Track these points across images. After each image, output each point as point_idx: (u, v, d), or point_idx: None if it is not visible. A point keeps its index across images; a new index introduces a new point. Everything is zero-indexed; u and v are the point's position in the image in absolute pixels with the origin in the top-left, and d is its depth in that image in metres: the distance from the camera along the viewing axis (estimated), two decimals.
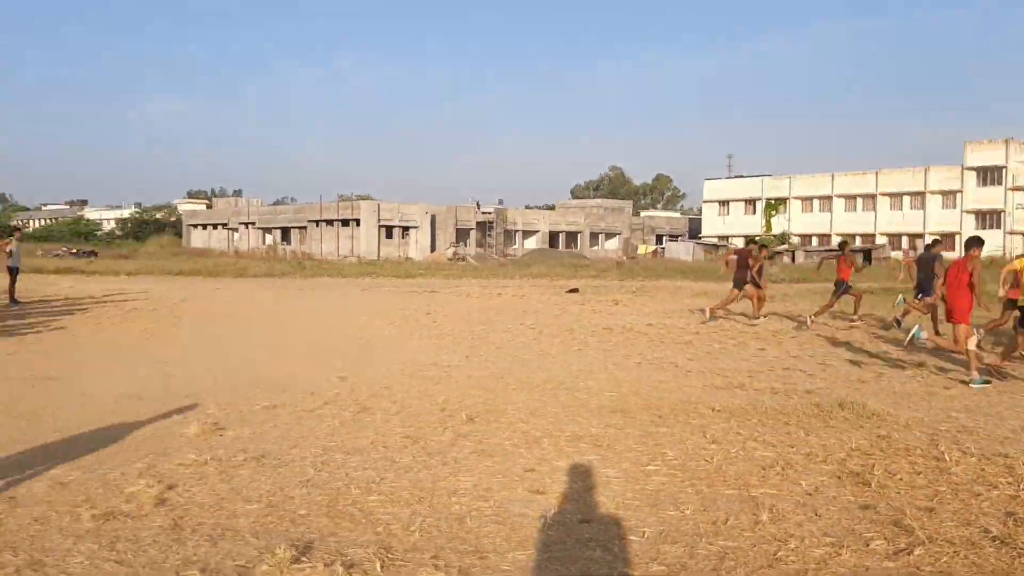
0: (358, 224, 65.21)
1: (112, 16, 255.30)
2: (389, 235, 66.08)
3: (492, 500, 5.17)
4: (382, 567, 4.06)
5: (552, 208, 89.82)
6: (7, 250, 19.43)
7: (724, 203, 79.59)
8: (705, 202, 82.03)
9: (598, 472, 5.81)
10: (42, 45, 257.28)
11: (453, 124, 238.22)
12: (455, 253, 62.86)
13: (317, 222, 69.46)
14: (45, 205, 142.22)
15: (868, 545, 4.42)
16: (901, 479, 5.63)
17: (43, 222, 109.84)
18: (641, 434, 6.96)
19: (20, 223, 61.66)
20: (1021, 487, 5.45)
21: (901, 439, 6.76)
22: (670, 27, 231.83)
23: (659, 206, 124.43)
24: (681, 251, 70.62)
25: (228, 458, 6.03)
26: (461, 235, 69.35)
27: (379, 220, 65.17)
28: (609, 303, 22.68)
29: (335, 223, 67.72)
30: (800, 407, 8.07)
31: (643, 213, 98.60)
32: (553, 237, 76.16)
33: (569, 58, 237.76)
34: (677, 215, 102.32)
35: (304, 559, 4.13)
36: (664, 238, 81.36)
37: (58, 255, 52.85)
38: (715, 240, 73.70)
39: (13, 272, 19.50)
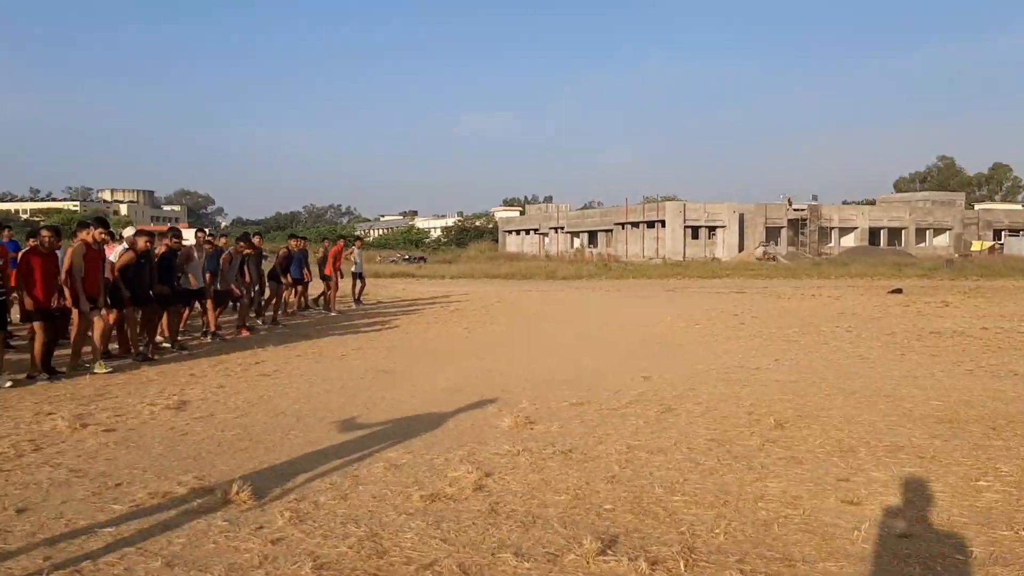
0: (663, 225, 65.21)
1: (428, 40, 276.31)
2: (695, 235, 65.37)
3: (801, 508, 4.98)
4: (686, 566, 4.07)
5: (872, 203, 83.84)
6: (351, 258, 21.64)
7: None
8: None
9: (920, 485, 5.39)
10: (379, 77, 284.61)
11: (762, 120, 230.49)
12: (765, 252, 60.80)
13: (623, 224, 70.42)
14: (383, 216, 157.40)
15: None
16: None
17: (381, 231, 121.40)
18: (971, 447, 6.36)
19: (362, 233, 68.54)
20: None
21: None
22: (1001, 2, 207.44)
23: (996, 198, 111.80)
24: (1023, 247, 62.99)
25: (539, 450, 6.34)
26: (771, 234, 66.94)
27: (685, 220, 64.70)
28: (937, 305, 20.87)
29: (640, 225, 68.26)
30: None
31: (977, 206, 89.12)
32: (873, 234, 71.14)
33: (887, 44, 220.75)
34: (1019, 207, 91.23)
35: (609, 552, 4.25)
36: (1003, 233, 72.93)
37: (393, 261, 58.14)
38: None
39: (356, 277, 21.68)
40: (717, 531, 4.58)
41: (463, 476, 5.60)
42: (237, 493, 5.09)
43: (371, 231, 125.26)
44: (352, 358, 11.66)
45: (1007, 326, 15.33)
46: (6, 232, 13.11)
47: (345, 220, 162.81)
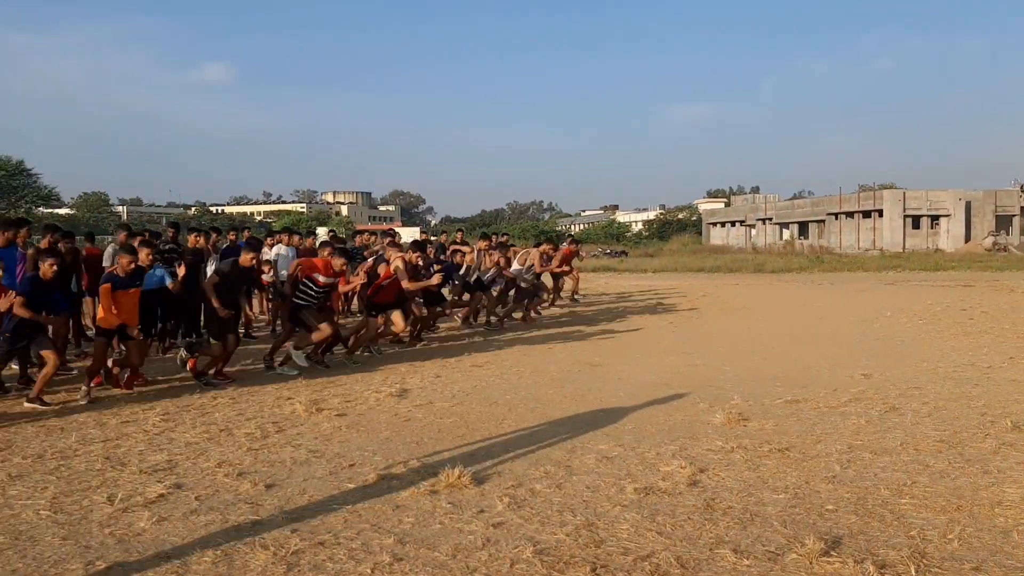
0: (880, 215, 61.54)
1: (629, 26, 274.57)
2: (916, 225, 61.24)
3: None
4: (917, 571, 3.89)
5: None
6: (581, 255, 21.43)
7: None
8: None
9: None
10: (581, 72, 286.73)
11: (989, 100, 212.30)
12: (995, 243, 56.01)
13: (836, 215, 67.09)
14: (584, 211, 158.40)
15: None
16: None
17: (582, 226, 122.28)
18: None
19: (563, 228, 69.12)
20: None
21: None
22: None
23: None
24: None
25: (754, 447, 6.23)
26: (1002, 223, 61.55)
27: (904, 210, 60.73)
28: None
29: (855, 215, 64.75)
30: None
31: None
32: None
33: None
34: None
35: (833, 553, 4.13)
36: None
37: (595, 255, 58.39)
38: None
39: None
40: (950, 536, 4.34)
41: (676, 471, 5.61)
42: (459, 477, 5.36)
43: (572, 226, 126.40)
44: (559, 351, 11.87)
45: None
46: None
47: (547, 216, 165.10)
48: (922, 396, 8.08)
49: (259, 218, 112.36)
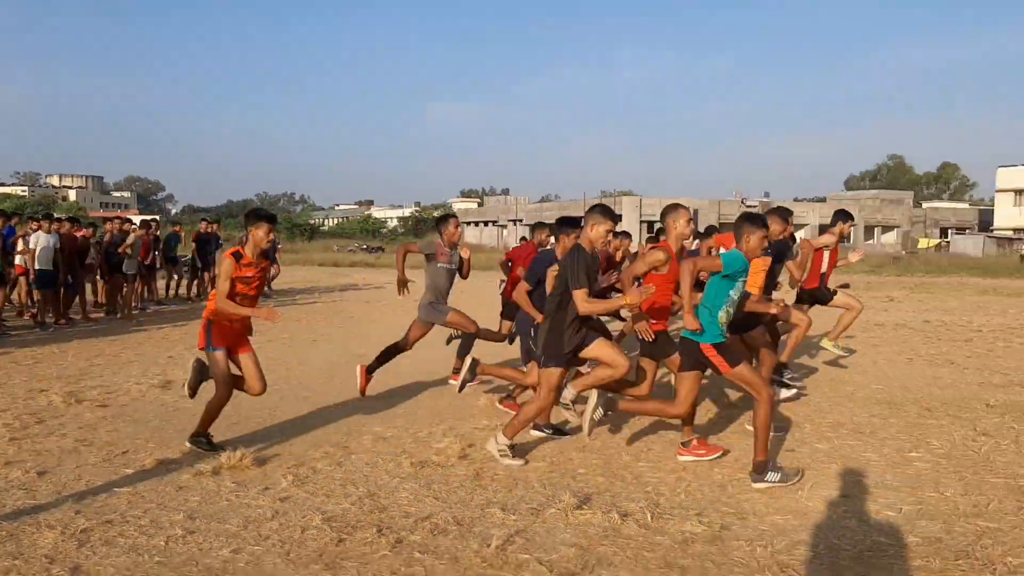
0: (620, 219, 66.18)
1: (394, 24, 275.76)
2: (651, 230, 66.43)
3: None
4: (652, 518, 4.63)
5: (823, 200, 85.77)
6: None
7: (1020, 192, 72.16)
8: (998, 191, 74.78)
9: (858, 456, 6.02)
10: (332, 59, 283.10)
11: (719, 116, 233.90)
12: (712, 249, 62.01)
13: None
14: (337, 205, 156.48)
15: None
16: None
17: (336, 221, 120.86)
18: (906, 425, 7.01)
19: (316, 222, 67.93)
20: None
21: None
22: (954, 7, 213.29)
23: (944, 197, 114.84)
24: (969, 245, 64.96)
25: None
26: (724, 230, 68.30)
27: (641, 215, 65.72)
28: (883, 299, 21.76)
29: None
30: None
31: (925, 204, 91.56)
32: (824, 231, 72.89)
33: (841, 45, 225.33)
34: (965, 206, 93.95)
35: (585, 507, 4.79)
36: (950, 231, 75.15)
37: (351, 250, 58.14)
38: (1010, 233, 67.06)
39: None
40: (678, 491, 5.15)
41: (448, 447, 6.10)
42: (241, 459, 5.54)
43: (326, 220, 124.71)
44: (323, 343, 12.06)
45: (947, 320, 16.18)
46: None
47: (299, 208, 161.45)
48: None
49: None
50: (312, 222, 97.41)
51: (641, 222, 65.62)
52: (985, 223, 76.12)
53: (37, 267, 12.74)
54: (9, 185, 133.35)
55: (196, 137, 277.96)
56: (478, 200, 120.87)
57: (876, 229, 74.56)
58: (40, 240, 12.90)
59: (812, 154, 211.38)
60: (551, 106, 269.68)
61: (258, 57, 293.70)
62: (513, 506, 4.82)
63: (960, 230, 74.96)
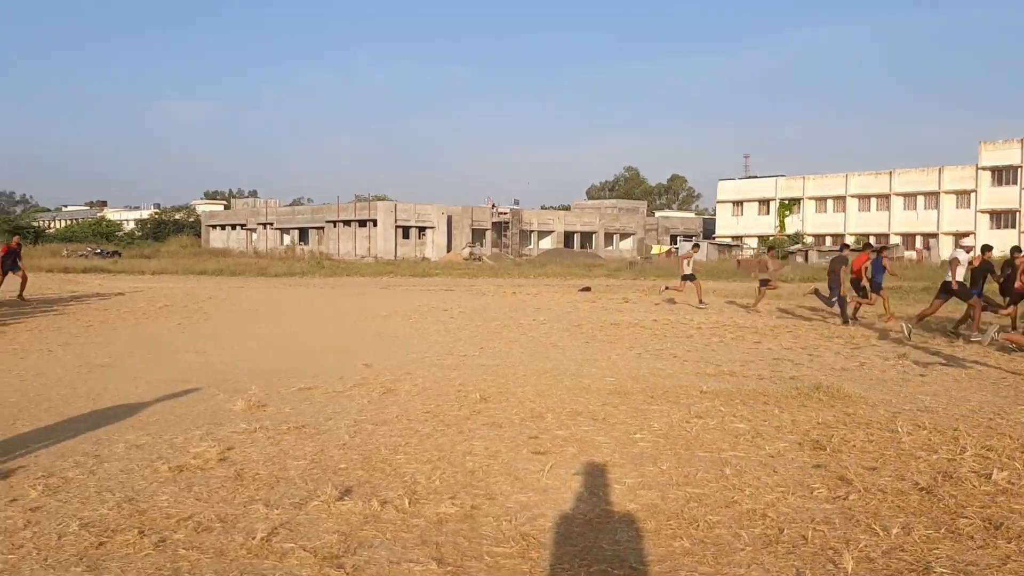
0: (375, 224, 66.31)
1: (127, 15, 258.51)
2: (406, 235, 67.15)
3: (500, 459, 6.10)
4: (410, 503, 5.00)
5: (567, 209, 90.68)
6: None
7: (738, 203, 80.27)
8: (719, 202, 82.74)
9: (592, 439, 6.73)
10: (60, 45, 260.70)
11: (469, 124, 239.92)
12: (471, 253, 63.83)
13: (335, 222, 70.61)
14: (65, 206, 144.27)
15: (812, 492, 5.31)
16: (855, 446, 6.51)
17: (64, 223, 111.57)
18: (633, 410, 7.87)
19: (41, 225, 62.57)
20: (959, 453, 6.30)
21: (864, 415, 7.64)
22: (685, 27, 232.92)
23: (674, 206, 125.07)
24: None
25: (274, 427, 6.98)
26: (477, 235, 70.34)
27: (396, 220, 66.25)
28: (619, 301, 23.58)
29: (352, 223, 68.84)
30: (781, 390, 8.95)
31: (658, 213, 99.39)
32: (568, 237, 77.02)
33: (585, 59, 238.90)
34: (692, 215, 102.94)
35: (347, 498, 5.07)
36: (678, 238, 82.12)
37: (83, 255, 54.10)
38: (729, 240, 74.36)
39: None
40: (434, 478, 5.56)
41: (206, 451, 6.14)
42: None
43: (52, 223, 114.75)
44: (61, 353, 11.42)
45: (673, 319, 17.90)
46: None
47: (19, 209, 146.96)
48: (413, 379, 9.53)
49: None
50: (36, 224, 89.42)
51: (397, 226, 66.11)
52: (708, 231, 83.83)
53: None
54: None
55: None
56: (224, 202, 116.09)
57: (615, 236, 79.86)
58: None
59: (557, 164, 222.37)
60: (293, 107, 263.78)
61: None
62: (276, 502, 5.01)
63: (688, 237, 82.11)
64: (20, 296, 20.12)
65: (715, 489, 5.41)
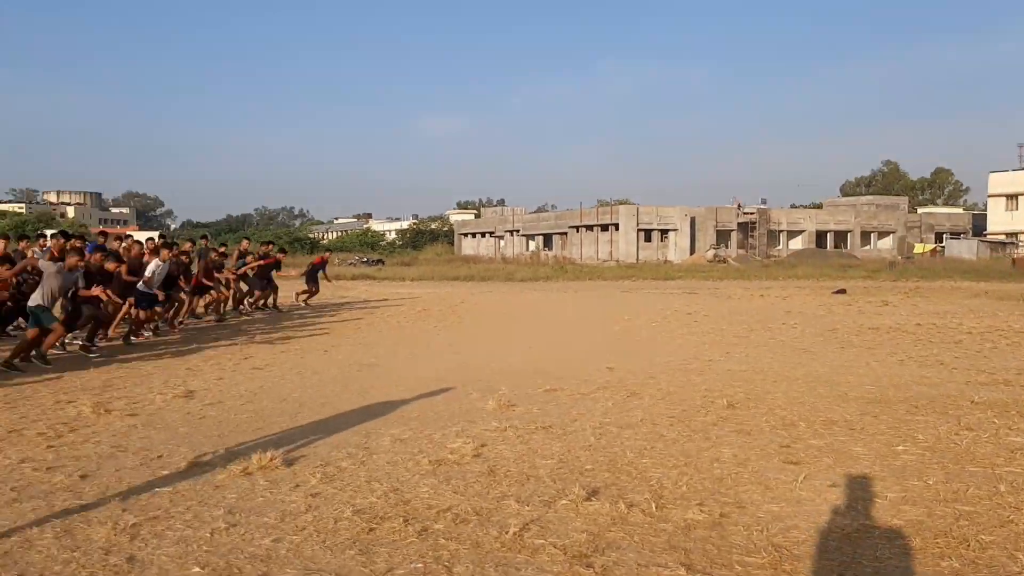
0: (617, 228, 66.59)
1: (386, 41, 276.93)
2: (648, 238, 66.84)
3: (750, 467, 5.96)
4: (657, 508, 5.01)
5: (819, 207, 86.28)
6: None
7: (1013, 197, 72.80)
8: (991, 196, 75.49)
9: (849, 450, 6.40)
10: (334, 75, 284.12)
11: (712, 124, 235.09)
12: (715, 255, 62.47)
13: (577, 227, 71.66)
14: (337, 219, 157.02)
15: None
16: None
17: (336, 234, 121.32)
18: (895, 421, 7.40)
19: (316, 236, 68.01)
20: None
21: None
22: (943, 9, 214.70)
23: (939, 202, 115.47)
24: (963, 249, 65.56)
25: (523, 426, 7.24)
26: (722, 237, 68.71)
27: (638, 224, 66.14)
28: (878, 304, 22.21)
29: (595, 228, 69.56)
30: None
31: (920, 210, 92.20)
32: (820, 237, 73.32)
33: (832, 48, 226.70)
34: (959, 211, 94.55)
35: (594, 498, 5.17)
36: (944, 236, 75.73)
37: (352, 264, 58.54)
38: (1002, 237, 67.67)
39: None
40: (680, 483, 5.53)
41: (461, 447, 6.48)
42: (270, 460, 5.92)
43: (325, 234, 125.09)
44: (335, 354, 12.44)
45: (939, 323, 16.59)
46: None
47: (298, 223, 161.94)
48: (657, 384, 9.52)
49: None
50: (312, 236, 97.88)
51: (638, 230, 66.01)
52: (978, 228, 76.72)
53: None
54: (6, 202, 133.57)
55: (195, 152, 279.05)
56: (475, 211, 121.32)
57: (872, 235, 75.01)
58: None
59: (808, 161, 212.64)
60: (539, 117, 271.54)
61: (256, 73, 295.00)
62: (527, 498, 5.20)
63: (955, 235, 75.53)
64: (275, 305, 20.23)
65: (988, 507, 4.98)
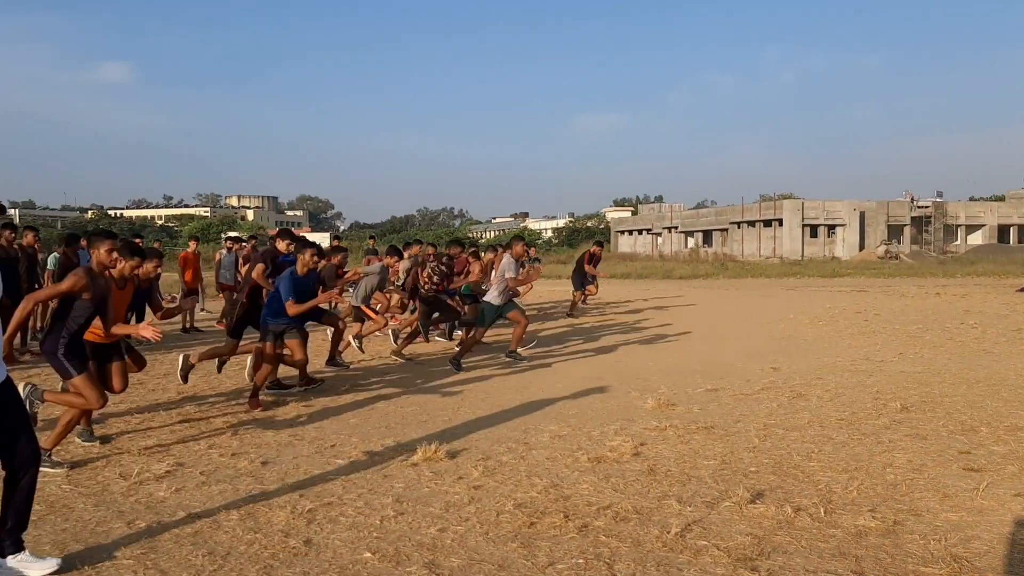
0: (780, 224, 64.46)
1: (540, 38, 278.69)
2: (814, 234, 64.36)
3: (926, 473, 5.65)
4: (825, 512, 4.84)
5: (1002, 199, 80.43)
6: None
7: None
8: None
9: None
10: (482, 76, 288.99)
11: (883, 115, 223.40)
12: (887, 251, 59.41)
13: (739, 223, 69.87)
14: (494, 218, 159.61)
15: None
16: None
17: (494, 233, 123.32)
18: None
19: (474, 235, 68.88)
20: None
21: None
22: None
23: None
24: None
25: (683, 426, 7.14)
26: (893, 232, 65.27)
27: (803, 219, 63.80)
28: None
29: (757, 224, 67.60)
30: None
31: None
32: (1003, 231, 68.38)
33: (1014, 35, 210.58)
34: None
35: (758, 501, 5.05)
36: None
37: None
38: None
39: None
40: (851, 488, 5.31)
41: (620, 444, 6.47)
42: (435, 452, 6.11)
43: (484, 233, 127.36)
44: (494, 348, 12.66)
45: None
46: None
47: (458, 223, 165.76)
48: (824, 384, 9.17)
49: (160, 222, 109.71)
50: (471, 235, 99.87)
51: (804, 225, 63.65)
52: None
53: None
54: (192, 206, 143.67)
55: (362, 157, 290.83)
56: (632, 208, 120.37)
57: None
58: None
59: (988, 151, 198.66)
60: (699, 111, 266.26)
61: (417, 80, 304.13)
62: (688, 499, 5.14)
63: None
64: None
65: None
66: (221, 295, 16.10)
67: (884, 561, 4.15)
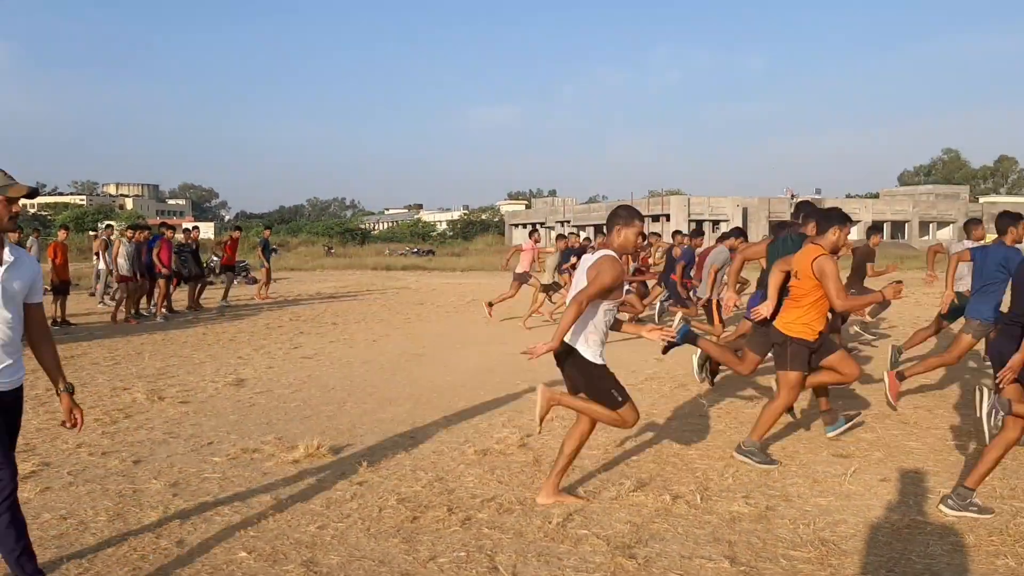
0: (668, 219, 66.07)
1: (436, 29, 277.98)
2: (699, 228, 66.21)
3: (798, 460, 5.88)
4: (702, 500, 4.96)
5: (876, 196, 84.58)
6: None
7: None
8: None
9: (902, 444, 6.29)
10: (385, 69, 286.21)
11: (765, 114, 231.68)
12: None
13: None
14: (387, 209, 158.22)
15: None
16: None
17: (387, 225, 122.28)
18: (949, 414, 7.21)
19: (367, 227, 68.27)
20: None
21: None
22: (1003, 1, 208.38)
23: (1002, 191, 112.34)
24: None
25: (569, 418, 7.13)
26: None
27: (689, 215, 65.55)
28: (935, 297, 21.68)
29: (646, 219, 69.09)
30: None
31: (982, 199, 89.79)
32: (877, 227, 71.84)
33: (892, 37, 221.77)
34: (1023, 200, 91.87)
35: (640, 490, 5.14)
36: None
37: (402, 254, 58.97)
38: None
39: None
40: (727, 476, 5.47)
41: (507, 436, 6.49)
42: (317, 448, 5.99)
43: (376, 224, 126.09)
44: (383, 344, 12.54)
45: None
46: None
47: (349, 214, 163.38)
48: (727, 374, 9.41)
49: (32, 210, 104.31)
50: (363, 227, 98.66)
51: (690, 220, 65.39)
52: None
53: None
54: (67, 194, 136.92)
55: (248, 145, 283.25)
56: (525, 202, 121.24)
57: (931, 225, 73.36)
58: None
59: (864, 150, 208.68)
60: (590, 107, 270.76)
61: (305, 68, 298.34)
62: (572, 489, 5.19)
63: None
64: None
65: None
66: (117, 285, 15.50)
67: (756, 545, 4.28)
